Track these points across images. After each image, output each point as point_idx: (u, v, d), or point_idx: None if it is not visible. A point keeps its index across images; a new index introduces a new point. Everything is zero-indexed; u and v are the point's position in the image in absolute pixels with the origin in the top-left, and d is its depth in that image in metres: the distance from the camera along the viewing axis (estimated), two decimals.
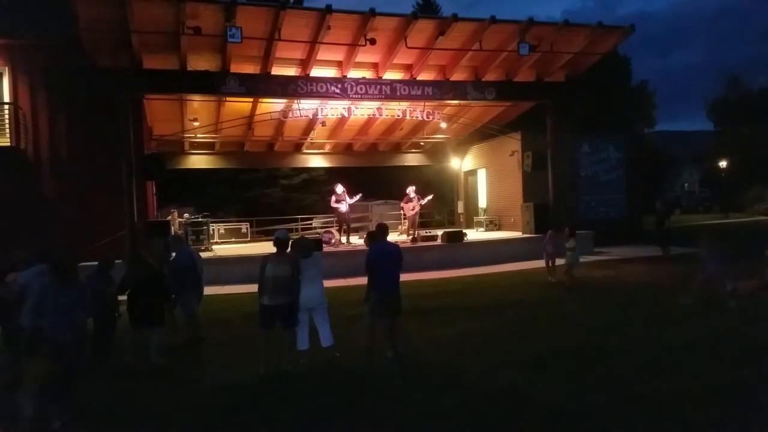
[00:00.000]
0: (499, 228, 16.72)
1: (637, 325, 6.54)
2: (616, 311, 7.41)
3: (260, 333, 5.38)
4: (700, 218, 29.14)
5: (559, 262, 9.69)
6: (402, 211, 15.14)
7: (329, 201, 13.56)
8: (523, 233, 14.30)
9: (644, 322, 6.65)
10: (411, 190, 14.08)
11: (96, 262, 5.93)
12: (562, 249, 9.53)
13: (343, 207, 13.14)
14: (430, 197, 14.27)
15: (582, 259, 11.36)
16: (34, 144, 11.91)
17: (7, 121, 11.74)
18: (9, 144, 11.67)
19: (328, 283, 5.93)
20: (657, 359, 5.20)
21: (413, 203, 13.97)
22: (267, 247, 6.01)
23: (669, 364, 5.07)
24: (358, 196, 13.44)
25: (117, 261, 6.32)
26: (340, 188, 13.24)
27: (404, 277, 5.85)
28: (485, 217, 17.47)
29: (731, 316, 6.72)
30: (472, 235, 15.07)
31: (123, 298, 5.91)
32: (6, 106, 11.78)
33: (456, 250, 12.90)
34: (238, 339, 6.52)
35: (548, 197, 13.95)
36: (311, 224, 19.38)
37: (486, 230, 16.69)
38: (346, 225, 13.61)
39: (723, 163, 33.93)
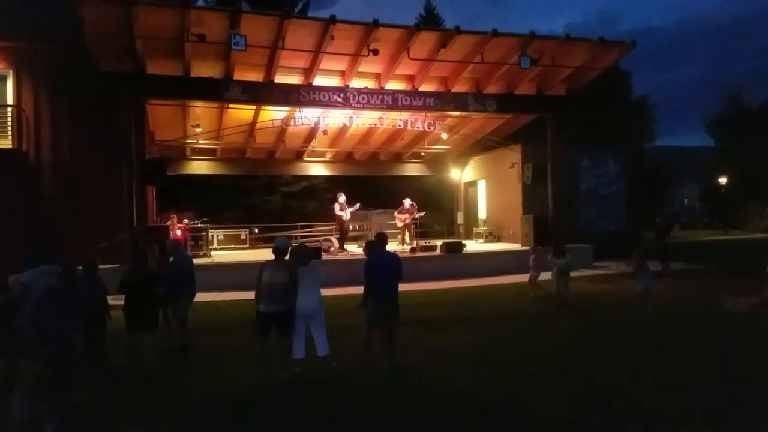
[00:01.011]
0: (498, 239, 16.70)
1: (635, 339, 6.51)
2: (613, 325, 7.39)
3: (256, 340, 5.35)
4: (699, 234, 29.16)
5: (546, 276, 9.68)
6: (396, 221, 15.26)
7: (332, 209, 13.70)
8: (522, 245, 14.27)
9: (642, 337, 6.63)
10: (407, 202, 14.23)
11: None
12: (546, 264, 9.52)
13: (346, 215, 13.33)
14: (422, 213, 14.47)
15: (581, 273, 11.37)
16: (36, 146, 11.95)
17: (9, 123, 11.78)
18: (11, 146, 11.70)
19: (325, 292, 5.91)
20: (655, 373, 5.18)
21: (405, 215, 14.12)
22: (266, 254, 6.01)
23: (666, 377, 5.04)
24: (356, 206, 13.65)
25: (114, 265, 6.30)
26: (342, 197, 13.41)
27: (402, 287, 5.84)
28: (485, 228, 17.46)
29: (729, 332, 6.70)
30: (472, 246, 15.06)
31: (120, 302, 5.88)
32: (9, 109, 11.83)
33: (455, 261, 12.89)
34: (234, 346, 6.47)
35: (548, 210, 13.97)
36: (311, 232, 19.34)
37: (485, 241, 16.67)
38: (344, 233, 13.76)
39: (723, 179, 34.02)
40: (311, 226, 19.48)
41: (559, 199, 14.00)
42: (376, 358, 5.56)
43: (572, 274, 9.55)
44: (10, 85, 11.91)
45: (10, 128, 11.75)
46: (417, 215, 14.19)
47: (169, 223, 15.02)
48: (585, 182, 16.34)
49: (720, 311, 7.87)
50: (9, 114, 11.83)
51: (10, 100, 11.87)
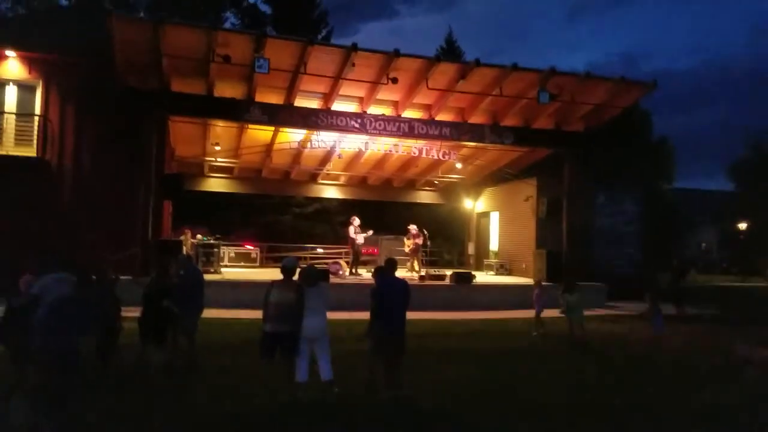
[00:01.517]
0: (509, 273, 16.47)
1: (643, 384, 6.28)
2: (623, 369, 7.14)
3: (260, 361, 5.25)
4: (717, 279, 28.40)
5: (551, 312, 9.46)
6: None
7: (347, 231, 13.73)
8: (534, 280, 14.04)
9: (651, 382, 6.39)
10: (413, 228, 14.26)
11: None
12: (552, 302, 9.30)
13: (359, 239, 13.38)
14: (421, 240, 14.40)
15: (593, 313, 11.08)
16: (59, 156, 12.23)
17: (35, 132, 12.10)
18: (35, 155, 11.99)
19: (332, 316, 5.81)
20: (661, 414, 4.96)
21: (411, 241, 14.14)
22: (275, 273, 5.95)
23: (672, 419, 4.82)
24: (370, 232, 13.72)
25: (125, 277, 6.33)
26: (357, 221, 13.47)
27: (409, 315, 5.72)
28: (496, 260, 17.26)
29: (746, 383, 6.42)
30: (482, 278, 14.86)
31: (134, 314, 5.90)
32: (36, 118, 12.18)
33: (464, 291, 12.70)
34: (237, 365, 6.38)
35: (561, 245, 13.78)
36: (317, 255, 19.29)
37: (496, 274, 16.45)
38: (357, 256, 13.77)
39: (743, 225, 33.29)
40: (315, 248, 19.35)
41: (573, 236, 13.81)
42: (379, 385, 5.42)
43: (585, 313, 9.27)
44: (38, 95, 12.30)
45: (36, 137, 12.07)
46: (421, 241, 14.13)
47: (182, 237, 15.13)
48: (600, 220, 16.12)
49: (736, 360, 7.58)
50: (36, 123, 12.17)
51: (37, 110, 12.23)
